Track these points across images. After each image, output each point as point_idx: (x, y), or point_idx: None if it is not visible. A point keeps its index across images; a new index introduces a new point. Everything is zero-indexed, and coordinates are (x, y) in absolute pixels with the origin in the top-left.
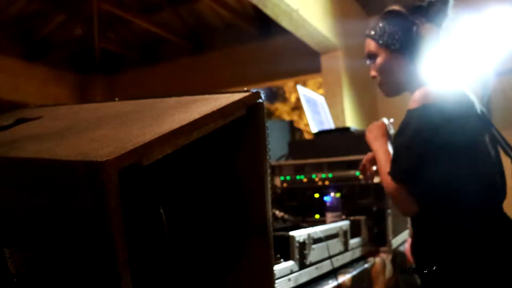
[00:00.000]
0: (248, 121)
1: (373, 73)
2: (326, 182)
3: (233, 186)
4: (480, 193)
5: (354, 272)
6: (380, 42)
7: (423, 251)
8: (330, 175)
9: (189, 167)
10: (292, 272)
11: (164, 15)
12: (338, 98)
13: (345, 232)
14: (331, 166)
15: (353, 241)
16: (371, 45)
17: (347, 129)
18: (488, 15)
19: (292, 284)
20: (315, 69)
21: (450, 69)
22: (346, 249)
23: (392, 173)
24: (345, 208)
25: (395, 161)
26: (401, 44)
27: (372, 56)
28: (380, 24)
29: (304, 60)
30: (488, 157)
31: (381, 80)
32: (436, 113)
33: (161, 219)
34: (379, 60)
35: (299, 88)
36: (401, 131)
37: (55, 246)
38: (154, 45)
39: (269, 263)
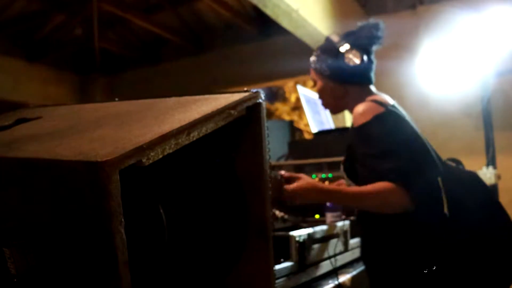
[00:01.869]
0: (248, 121)
1: (317, 96)
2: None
3: (233, 186)
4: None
5: (354, 272)
6: (315, 70)
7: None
8: (330, 175)
9: (189, 167)
10: (292, 272)
11: (164, 15)
12: None
13: (345, 232)
14: (331, 166)
15: (353, 241)
16: (312, 73)
17: (347, 129)
18: (488, 15)
19: (292, 284)
20: None
21: (443, 70)
22: (346, 249)
23: (385, 174)
24: (345, 208)
25: (375, 169)
26: (331, 70)
27: (314, 82)
28: (316, 53)
29: (304, 60)
30: (435, 155)
31: (322, 102)
32: (388, 120)
33: (161, 219)
34: (317, 86)
35: (299, 88)
36: (361, 146)
37: (55, 246)
38: (154, 45)
39: (269, 263)
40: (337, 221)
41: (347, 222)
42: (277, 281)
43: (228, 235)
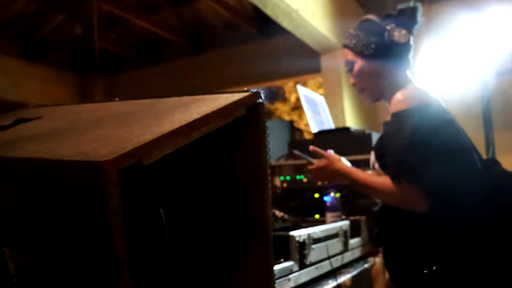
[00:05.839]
0: (248, 121)
1: (352, 80)
2: (326, 182)
3: (233, 186)
4: (477, 191)
5: (354, 272)
6: (355, 50)
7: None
8: None
9: (189, 167)
10: (292, 272)
11: (164, 15)
12: (338, 98)
13: (345, 232)
14: None
15: (353, 241)
16: (348, 54)
17: (347, 129)
18: (488, 15)
19: (292, 284)
20: (315, 69)
21: (443, 70)
22: (346, 249)
23: (399, 173)
24: (345, 208)
25: (399, 161)
26: (375, 50)
27: (350, 64)
28: (355, 33)
29: (304, 60)
30: (476, 154)
31: (361, 87)
32: (429, 112)
33: (161, 219)
34: (356, 67)
35: (299, 88)
36: (394, 133)
37: (55, 246)
38: (154, 45)
39: (269, 263)
40: (337, 221)
41: (347, 222)
42: (277, 281)
43: (228, 235)
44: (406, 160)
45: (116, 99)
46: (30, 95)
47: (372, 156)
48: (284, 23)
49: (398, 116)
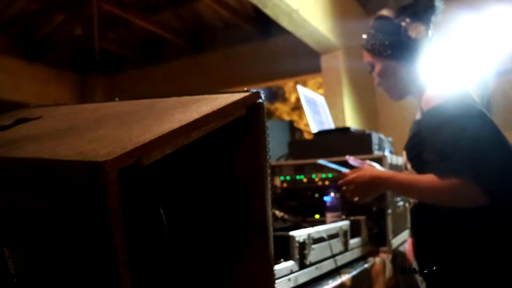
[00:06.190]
0: (248, 121)
1: (376, 82)
2: (326, 182)
3: (233, 186)
4: None
5: (354, 272)
6: (373, 51)
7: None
8: (330, 175)
9: (189, 167)
10: (292, 272)
11: (164, 15)
12: (338, 98)
13: (345, 232)
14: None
15: (353, 241)
16: (367, 55)
17: (347, 129)
18: (488, 15)
19: (292, 284)
20: (315, 69)
21: (449, 68)
22: (346, 249)
23: (449, 169)
24: (345, 208)
25: (445, 156)
26: (392, 49)
27: (370, 66)
28: (371, 33)
29: (304, 60)
30: None
31: (385, 87)
32: (466, 103)
33: (161, 219)
34: (377, 68)
35: (299, 88)
36: (435, 129)
37: (55, 246)
38: (154, 45)
39: (269, 263)
40: (337, 221)
41: (347, 222)
42: (277, 281)
43: (228, 235)
44: (454, 154)
45: (116, 99)
46: (30, 95)
47: (404, 157)
48: (284, 23)
49: (435, 111)
